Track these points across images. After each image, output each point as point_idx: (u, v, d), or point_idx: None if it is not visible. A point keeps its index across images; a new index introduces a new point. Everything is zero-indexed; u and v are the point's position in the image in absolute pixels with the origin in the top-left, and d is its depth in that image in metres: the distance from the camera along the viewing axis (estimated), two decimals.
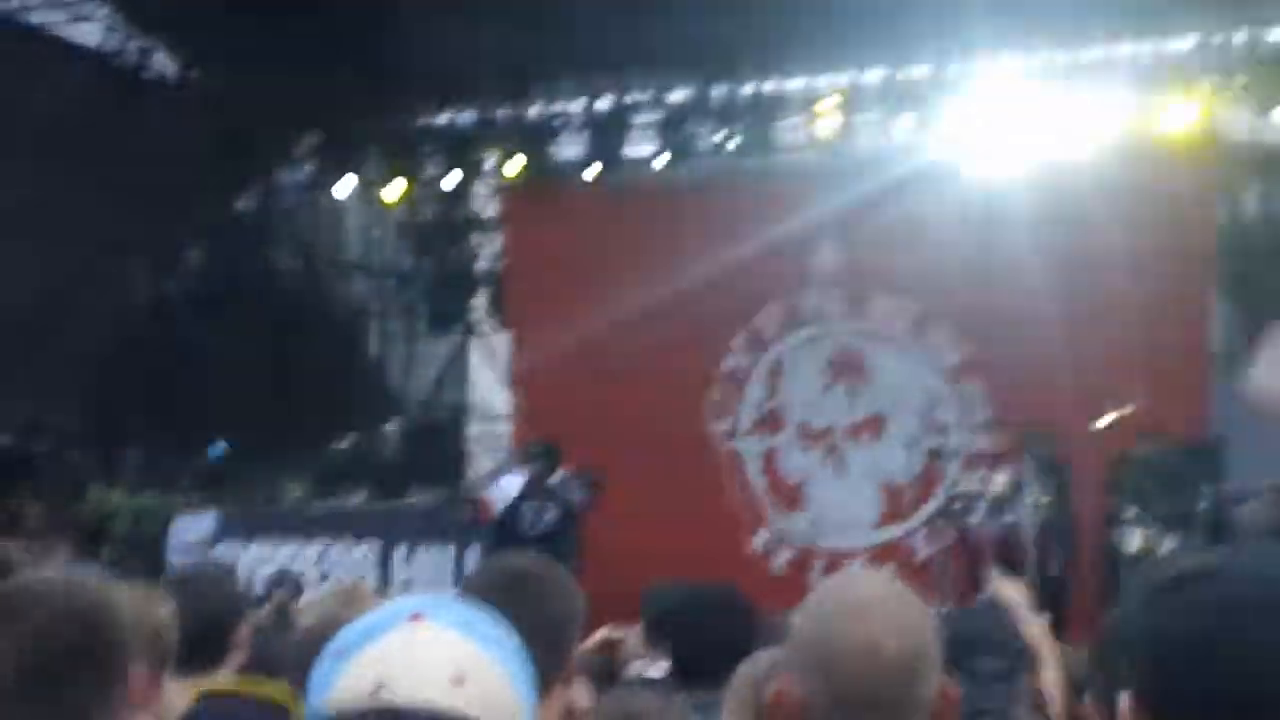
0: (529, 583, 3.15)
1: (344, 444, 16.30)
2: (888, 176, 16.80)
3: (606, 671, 5.15)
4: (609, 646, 5.33)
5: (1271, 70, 15.13)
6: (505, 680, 1.86)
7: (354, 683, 1.81)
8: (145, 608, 3.59)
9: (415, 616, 1.86)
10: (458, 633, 1.86)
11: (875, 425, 16.70)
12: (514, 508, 13.93)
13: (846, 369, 16.94)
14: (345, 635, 1.87)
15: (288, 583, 12.10)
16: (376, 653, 1.82)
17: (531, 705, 1.90)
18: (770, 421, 17.15)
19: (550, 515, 13.81)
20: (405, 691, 1.78)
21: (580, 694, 3.13)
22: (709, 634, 4.42)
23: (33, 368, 17.92)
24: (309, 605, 7.60)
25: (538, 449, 15.84)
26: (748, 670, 3.75)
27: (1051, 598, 13.29)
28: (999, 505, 13.48)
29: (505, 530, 13.63)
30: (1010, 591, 6.03)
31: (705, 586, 4.90)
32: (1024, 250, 15.64)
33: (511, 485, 14.12)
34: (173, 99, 18.23)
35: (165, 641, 3.71)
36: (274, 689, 4.51)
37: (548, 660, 2.76)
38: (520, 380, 18.60)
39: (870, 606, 2.46)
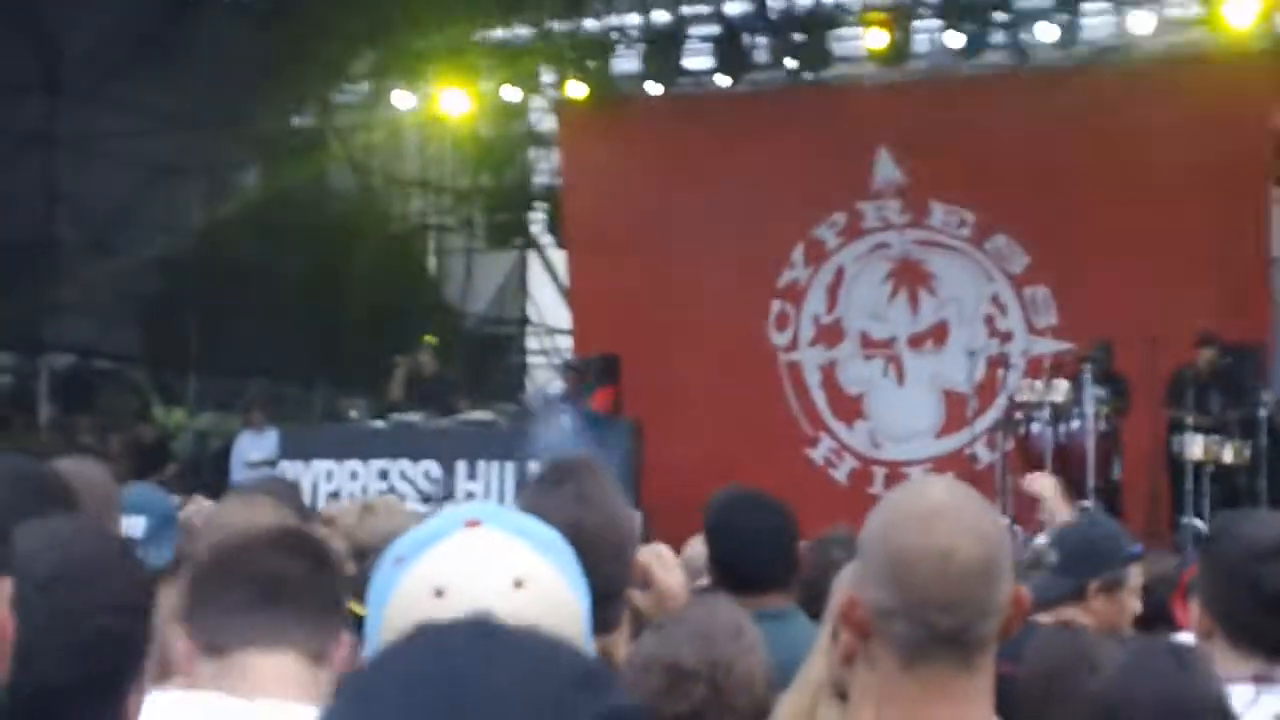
0: (581, 490, 3.12)
1: (402, 366, 16.33)
2: (945, 86, 16.71)
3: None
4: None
5: None
6: (563, 584, 1.86)
7: (414, 588, 1.81)
8: None
9: (472, 523, 1.86)
10: (515, 538, 1.86)
11: (937, 334, 16.68)
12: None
13: (908, 278, 16.91)
14: (403, 542, 1.88)
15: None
16: (435, 559, 1.83)
17: (588, 610, 1.90)
18: (831, 333, 17.14)
19: (567, 420, 13.91)
20: (465, 596, 1.78)
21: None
22: (755, 542, 4.40)
23: (92, 290, 18.06)
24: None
25: (596, 363, 15.92)
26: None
27: (1109, 504, 13.32)
28: (1060, 414, 13.42)
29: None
30: (1042, 483, 6.03)
31: (754, 494, 4.88)
32: (1083, 157, 15.57)
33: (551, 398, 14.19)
34: (230, 17, 18.23)
35: None
36: None
37: (608, 570, 2.74)
38: (579, 296, 18.64)
39: (941, 512, 2.43)
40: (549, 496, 3.04)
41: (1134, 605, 4.73)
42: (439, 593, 1.79)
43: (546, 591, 1.83)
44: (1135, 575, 4.79)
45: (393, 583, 1.83)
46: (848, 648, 2.43)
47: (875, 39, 16.68)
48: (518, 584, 1.81)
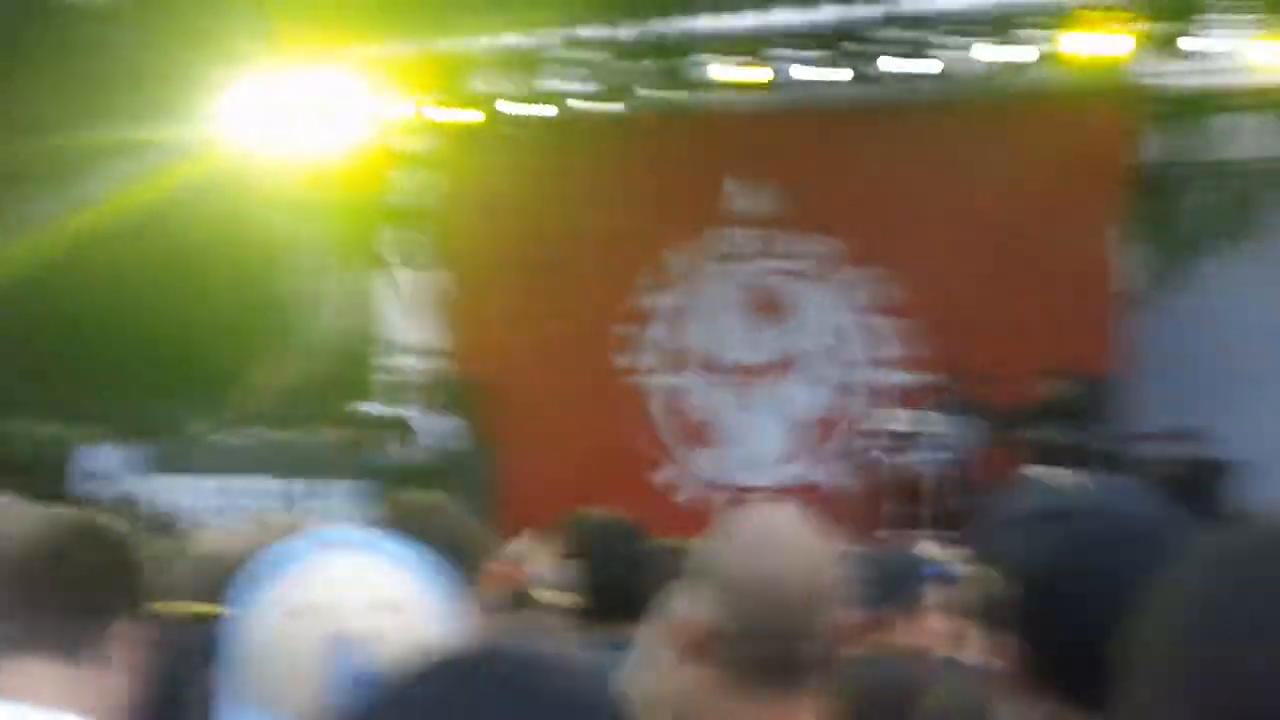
0: (432, 517, 3.15)
1: (250, 383, 16.21)
2: (800, 117, 16.82)
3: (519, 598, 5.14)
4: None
5: (1175, 10, 15.23)
6: (428, 607, 1.87)
7: (275, 607, 1.81)
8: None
9: (334, 544, 1.87)
10: (379, 560, 1.87)
11: (784, 362, 16.78)
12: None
13: (757, 306, 16.99)
14: (263, 562, 1.87)
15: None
16: (295, 580, 1.83)
17: (447, 627, 1.89)
18: (677, 358, 17.19)
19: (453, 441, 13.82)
20: (324, 616, 1.78)
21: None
22: (623, 568, 4.42)
23: None
24: (206, 534, 7.51)
25: (459, 384, 15.86)
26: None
27: (952, 534, 13.47)
28: (903, 443, 13.58)
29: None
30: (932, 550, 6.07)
31: (619, 520, 4.89)
32: (933, 190, 15.75)
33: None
34: (81, 18, 17.94)
35: None
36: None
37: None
38: (443, 317, 18.55)
39: (774, 539, 2.47)
40: None
41: (938, 625, 4.80)
42: (299, 613, 1.79)
43: (410, 612, 1.83)
44: (934, 595, 4.86)
45: (250, 603, 1.82)
46: (694, 679, 2.46)
47: (725, 84, 16.74)
48: (378, 605, 1.80)
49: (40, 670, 2.50)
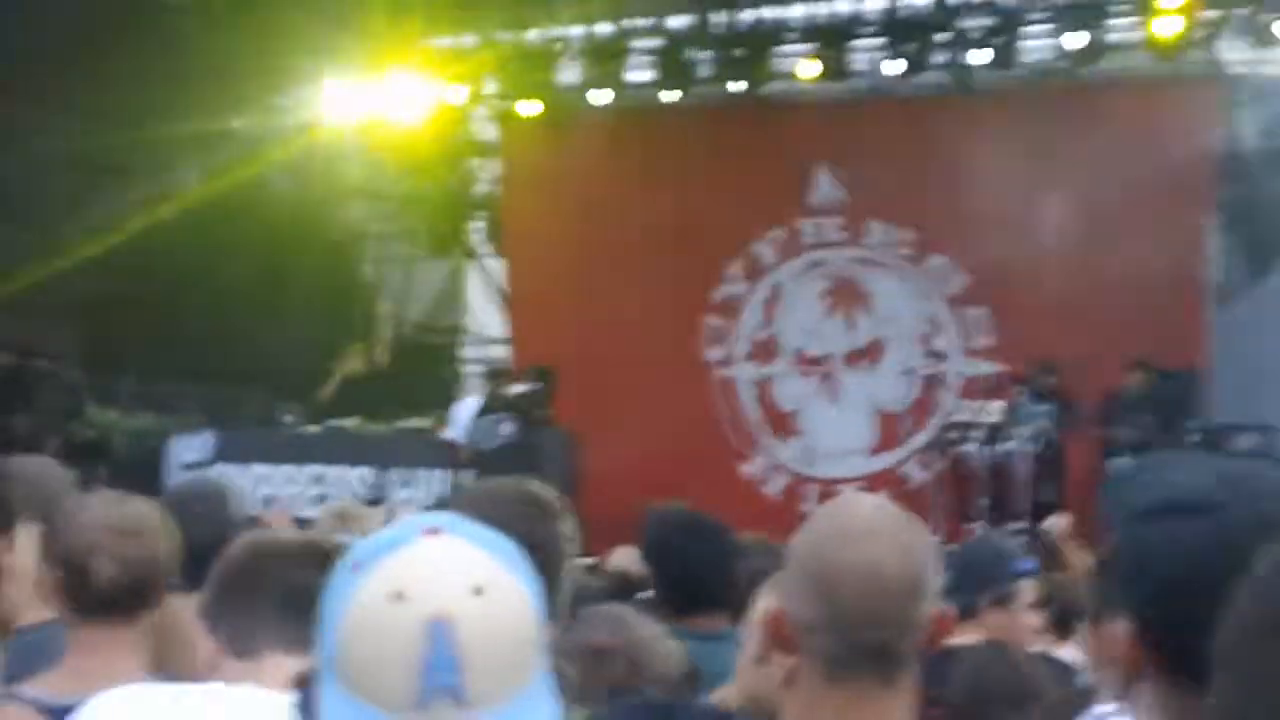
0: (514, 505, 3.17)
1: (338, 372, 16.36)
2: (885, 105, 16.78)
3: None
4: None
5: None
6: (523, 593, 1.88)
7: (373, 592, 1.82)
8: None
9: (432, 530, 1.88)
10: (476, 546, 1.88)
11: (872, 352, 16.74)
12: (473, 427, 13.92)
13: (845, 296, 16.95)
14: (361, 548, 1.88)
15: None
16: (395, 564, 1.83)
17: (545, 622, 1.92)
18: (766, 349, 17.18)
19: (506, 426, 13.81)
20: (425, 600, 1.80)
21: None
22: (699, 562, 4.41)
23: (30, 290, 17.92)
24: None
25: (533, 373, 15.89)
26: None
27: (1041, 526, 13.38)
28: (993, 434, 13.50)
29: (474, 451, 13.66)
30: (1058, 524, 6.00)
31: (694, 515, 4.88)
32: (1021, 179, 15.67)
33: (464, 410, 14.14)
34: (174, 16, 18.12)
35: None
36: None
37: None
38: (518, 307, 18.62)
39: (869, 529, 2.47)
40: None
41: (1030, 620, 4.77)
42: (398, 597, 1.80)
43: (505, 599, 1.84)
44: (1027, 591, 4.83)
45: (350, 587, 1.83)
46: (789, 671, 2.46)
47: (807, 69, 16.71)
48: (477, 590, 1.82)
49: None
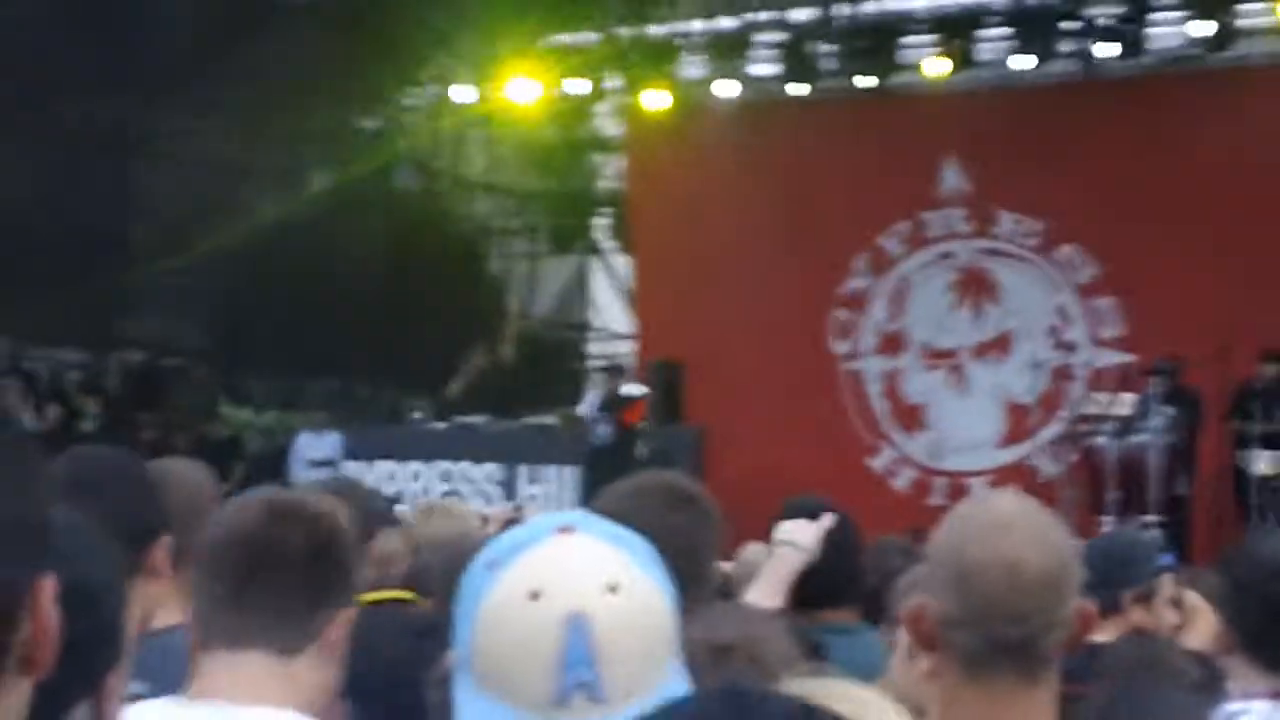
0: (659, 498, 3.17)
1: (465, 368, 16.47)
2: (1012, 95, 16.64)
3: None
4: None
5: None
6: (655, 589, 1.89)
7: (509, 591, 1.83)
8: None
9: (565, 529, 1.89)
10: (609, 544, 1.89)
11: (1001, 344, 16.58)
12: (593, 421, 13.97)
13: (973, 287, 16.82)
14: (497, 547, 1.89)
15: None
16: (530, 563, 1.85)
17: (678, 619, 1.93)
18: (893, 342, 17.08)
19: (602, 428, 13.83)
20: (561, 598, 1.81)
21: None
22: (823, 557, 4.39)
23: (162, 288, 18.22)
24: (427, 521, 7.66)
25: (656, 370, 15.91)
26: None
27: (1176, 519, 13.21)
28: (1124, 427, 13.33)
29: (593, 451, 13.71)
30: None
31: (829, 507, 4.86)
32: (1151, 167, 15.49)
33: (588, 404, 14.20)
34: (299, 19, 18.35)
35: None
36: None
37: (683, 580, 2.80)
38: (644, 302, 18.66)
39: (1011, 524, 2.46)
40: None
41: (1171, 617, 4.71)
42: (534, 595, 1.81)
43: (639, 596, 1.86)
44: (1168, 587, 4.77)
45: (486, 586, 1.85)
46: (931, 667, 2.45)
47: (934, 66, 16.60)
48: (612, 588, 1.83)
49: (254, 665, 2.45)
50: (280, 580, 2.49)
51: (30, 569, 1.36)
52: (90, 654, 1.78)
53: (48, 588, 1.38)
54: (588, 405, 14.51)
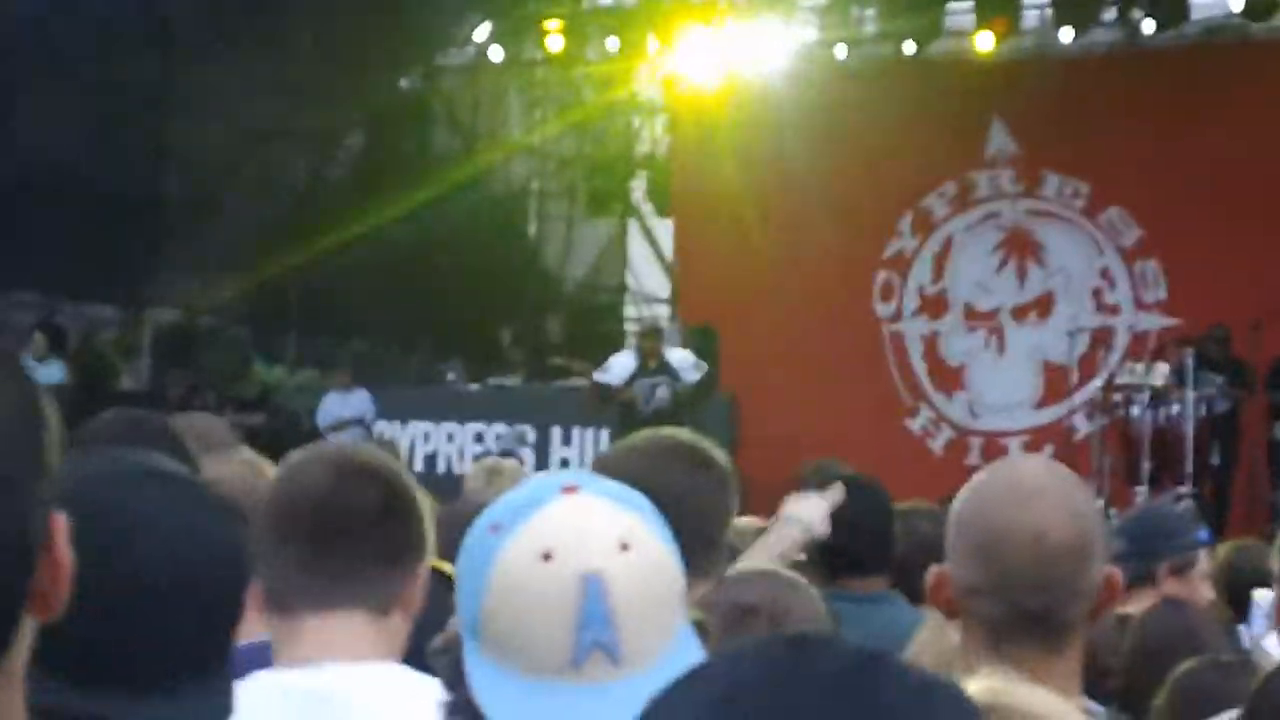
0: (671, 456, 3.13)
1: (504, 332, 16.50)
2: (1058, 60, 16.55)
3: None
4: None
5: None
6: (662, 546, 1.89)
7: (520, 553, 1.82)
8: None
9: (570, 488, 1.88)
10: (615, 503, 1.89)
11: (1042, 305, 16.54)
12: (636, 384, 13.92)
13: (1017, 247, 16.76)
14: (499, 509, 1.89)
15: None
16: (538, 523, 1.84)
17: (685, 578, 1.93)
18: (935, 304, 17.04)
19: (662, 391, 13.79)
20: (573, 558, 1.81)
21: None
22: (854, 524, 4.35)
23: (198, 247, 18.26)
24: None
25: (695, 332, 15.88)
26: None
27: (1213, 491, 13.14)
28: (1159, 397, 13.23)
29: (625, 411, 13.64)
30: None
31: (852, 474, 4.83)
32: (1198, 132, 15.41)
33: (619, 361, 14.11)
34: None
35: None
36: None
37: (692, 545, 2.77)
38: (682, 265, 18.65)
39: (1036, 491, 2.42)
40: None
41: (1206, 591, 4.65)
42: (546, 556, 1.81)
43: (651, 554, 1.86)
44: (1204, 560, 4.72)
45: (493, 549, 1.84)
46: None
47: (982, 41, 16.49)
48: (623, 546, 1.83)
49: (353, 626, 2.42)
50: (359, 540, 2.45)
51: (44, 507, 1.34)
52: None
53: (62, 526, 1.36)
54: (621, 361, 14.37)
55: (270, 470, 3.58)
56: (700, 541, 2.90)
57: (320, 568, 2.44)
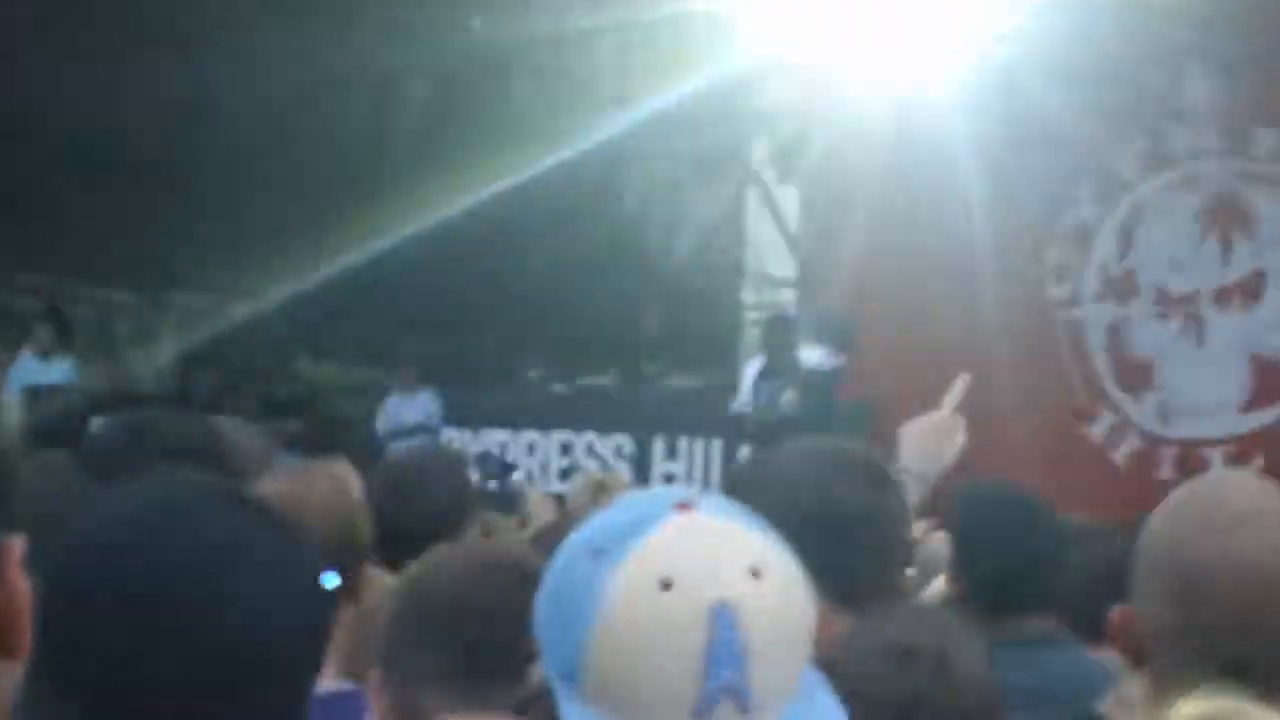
0: (836, 470, 3.12)
1: (594, 319, 16.54)
2: None
3: None
4: None
5: None
6: (797, 577, 1.91)
7: (634, 582, 1.82)
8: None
9: (684, 505, 1.89)
10: (736, 523, 1.91)
11: (1252, 287, 16.40)
12: (755, 389, 13.95)
13: (1222, 218, 16.63)
14: (598, 531, 1.90)
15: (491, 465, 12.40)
16: (652, 547, 1.85)
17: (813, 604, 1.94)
18: (1122, 285, 16.93)
19: (788, 396, 13.79)
20: (699, 587, 1.81)
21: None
22: (1021, 551, 4.31)
23: (233, 219, 18.38)
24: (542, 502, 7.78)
25: (828, 322, 15.87)
26: None
27: None
28: None
29: (746, 417, 13.69)
30: None
31: (1010, 489, 4.80)
32: None
33: (750, 372, 14.17)
34: None
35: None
36: None
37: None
38: (812, 242, 18.64)
39: (1243, 516, 2.39)
40: None
41: None
42: (666, 585, 1.81)
43: (782, 582, 1.87)
44: None
45: (598, 578, 1.84)
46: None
47: None
48: (754, 572, 1.84)
49: None
50: (511, 643, 2.55)
51: None
52: None
53: (13, 551, 1.36)
54: (752, 371, 14.43)
55: (356, 486, 3.65)
56: (880, 572, 2.96)
57: (478, 672, 2.65)
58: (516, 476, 8.89)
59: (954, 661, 2.91)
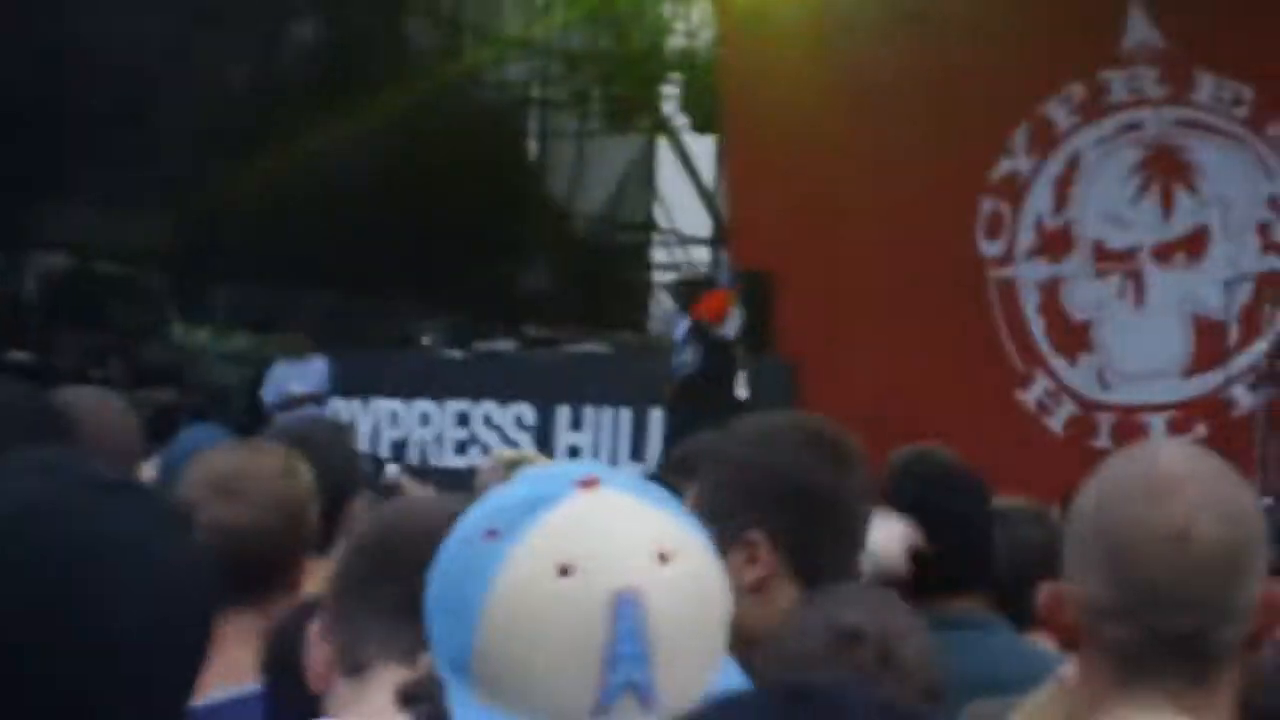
0: (796, 447, 3.16)
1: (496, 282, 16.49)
2: None
3: None
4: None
5: None
6: (711, 560, 1.89)
7: (530, 566, 1.81)
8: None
9: (587, 482, 1.87)
10: (644, 502, 1.88)
11: (1193, 242, 16.51)
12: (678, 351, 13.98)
13: (1162, 169, 16.72)
14: (493, 509, 1.87)
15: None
16: (551, 528, 1.83)
17: (728, 589, 1.92)
18: (1057, 241, 17.02)
19: (690, 353, 13.86)
20: (601, 573, 1.79)
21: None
22: (950, 529, 4.36)
23: (103, 171, 18.22)
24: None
25: (746, 280, 15.90)
26: None
27: None
28: None
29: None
30: None
31: (945, 462, 4.84)
32: None
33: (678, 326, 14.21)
34: None
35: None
36: None
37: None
38: (733, 195, 18.65)
39: (1176, 484, 2.43)
40: None
41: None
42: (564, 570, 1.79)
43: (694, 566, 1.85)
44: None
45: (491, 561, 1.82)
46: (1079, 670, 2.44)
47: None
48: (663, 557, 1.82)
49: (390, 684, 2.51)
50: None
51: None
52: None
53: None
54: (679, 328, 14.47)
55: (305, 467, 3.65)
56: (841, 556, 3.04)
57: (409, 622, 2.46)
58: (390, 470, 8.84)
59: (899, 646, 2.95)
